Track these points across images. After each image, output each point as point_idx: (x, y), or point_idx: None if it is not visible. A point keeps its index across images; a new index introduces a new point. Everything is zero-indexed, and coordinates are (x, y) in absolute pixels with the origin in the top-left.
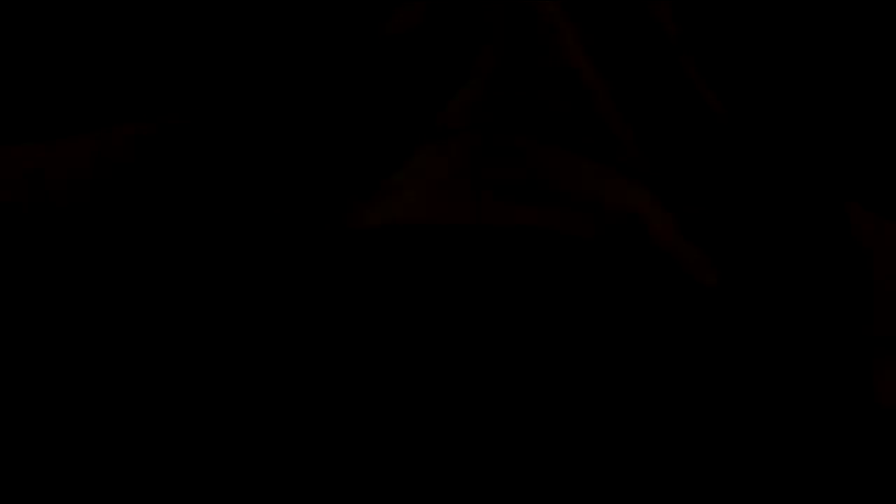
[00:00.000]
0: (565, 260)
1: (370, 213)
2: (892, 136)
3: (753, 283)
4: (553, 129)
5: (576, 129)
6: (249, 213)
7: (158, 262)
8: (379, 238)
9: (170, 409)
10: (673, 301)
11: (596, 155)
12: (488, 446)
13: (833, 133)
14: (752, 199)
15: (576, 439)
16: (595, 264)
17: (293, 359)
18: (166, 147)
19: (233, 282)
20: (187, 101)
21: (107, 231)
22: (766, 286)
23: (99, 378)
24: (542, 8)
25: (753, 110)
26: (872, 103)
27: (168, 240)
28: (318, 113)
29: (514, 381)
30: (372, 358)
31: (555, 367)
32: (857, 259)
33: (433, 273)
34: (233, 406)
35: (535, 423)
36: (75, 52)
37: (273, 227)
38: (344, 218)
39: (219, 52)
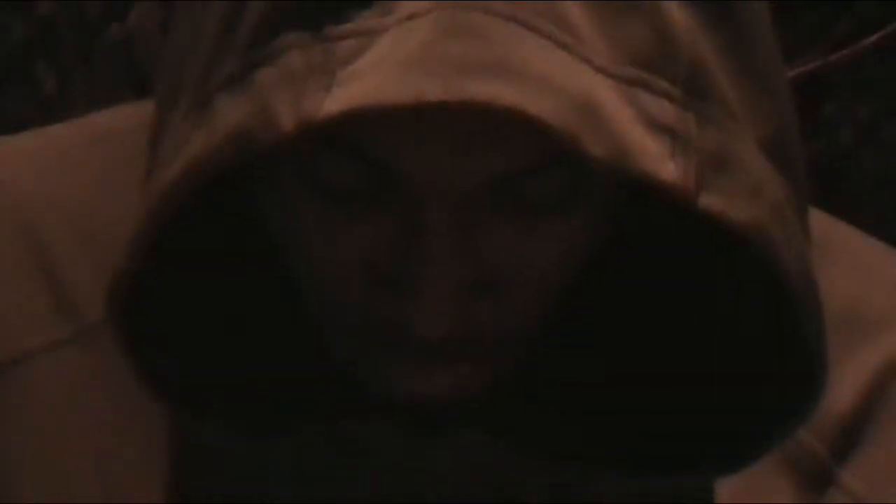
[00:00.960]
0: (525, 137)
1: (330, 102)
2: None
3: None
4: (515, 9)
5: (537, 12)
6: None
7: None
8: (339, 124)
9: None
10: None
11: (558, 41)
12: None
13: None
14: None
15: None
16: (553, 143)
17: None
18: None
19: None
20: None
21: None
22: None
23: None
24: None
25: None
26: None
27: None
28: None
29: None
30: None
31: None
32: None
33: (398, 154)
34: None
35: None
36: None
37: None
38: (302, 114)
39: None
